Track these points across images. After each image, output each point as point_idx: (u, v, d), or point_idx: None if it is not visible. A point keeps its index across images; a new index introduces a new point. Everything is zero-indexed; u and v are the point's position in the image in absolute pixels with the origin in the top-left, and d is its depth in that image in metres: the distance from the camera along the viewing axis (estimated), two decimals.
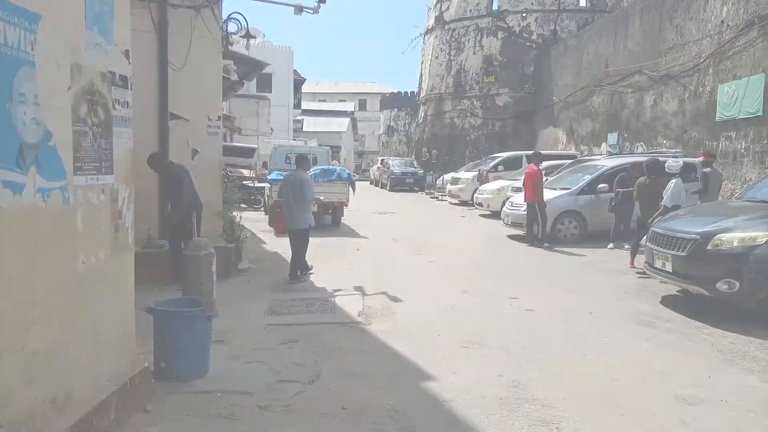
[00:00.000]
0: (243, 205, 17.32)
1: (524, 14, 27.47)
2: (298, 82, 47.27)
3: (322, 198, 12.49)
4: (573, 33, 25.70)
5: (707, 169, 9.28)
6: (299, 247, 7.72)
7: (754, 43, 12.60)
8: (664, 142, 16.24)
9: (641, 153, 14.84)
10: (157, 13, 7.97)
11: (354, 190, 12.87)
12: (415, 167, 28.07)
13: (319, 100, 66.33)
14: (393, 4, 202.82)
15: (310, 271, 8.06)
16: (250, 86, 43.46)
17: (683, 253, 5.98)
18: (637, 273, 7.97)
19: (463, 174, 20.68)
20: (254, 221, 14.02)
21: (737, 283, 5.51)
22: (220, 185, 8.92)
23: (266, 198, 12.30)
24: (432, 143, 30.95)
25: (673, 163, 8.25)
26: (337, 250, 10.15)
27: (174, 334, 4.23)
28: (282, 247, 10.31)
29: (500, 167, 19.60)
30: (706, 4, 14.42)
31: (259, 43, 44.02)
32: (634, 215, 9.31)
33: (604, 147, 19.98)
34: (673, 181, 7.93)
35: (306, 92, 67.19)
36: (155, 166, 7.37)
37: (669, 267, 6.18)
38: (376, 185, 32.22)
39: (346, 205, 12.85)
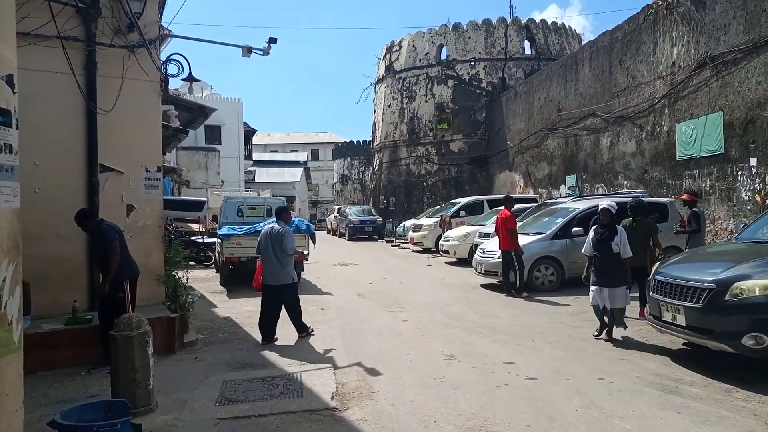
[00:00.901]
0: (192, 263, 16.01)
1: (473, 63, 27.84)
2: (249, 133, 46.47)
3: None
4: (521, 80, 26.12)
5: (696, 209, 8.85)
6: (294, 302, 7.27)
7: (709, 83, 12.70)
8: (625, 182, 16.13)
9: (605, 194, 14.60)
10: (83, 54, 7.00)
11: (314, 243, 11.88)
12: (373, 215, 27.33)
13: (271, 151, 65.60)
14: (342, 56, 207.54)
15: (311, 333, 7.46)
16: (198, 138, 42.52)
17: (698, 305, 5.28)
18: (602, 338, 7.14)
19: (425, 220, 20.04)
20: (204, 281, 12.75)
21: (766, 338, 4.82)
22: (161, 245, 7.77)
23: (217, 254, 11.15)
24: (389, 190, 30.43)
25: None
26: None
27: None
28: (235, 311, 9.16)
29: (462, 212, 19.10)
30: (656, 47, 14.63)
31: (207, 96, 43.28)
32: None
33: (563, 189, 19.86)
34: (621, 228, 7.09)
35: (257, 143, 66.42)
36: (84, 224, 6.25)
37: (681, 320, 5.47)
38: (334, 234, 31.22)
39: (306, 259, 11.81)
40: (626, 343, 6.64)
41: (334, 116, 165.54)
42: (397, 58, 29.95)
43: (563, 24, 29.48)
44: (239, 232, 11.23)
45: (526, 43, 28.26)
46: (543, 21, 28.77)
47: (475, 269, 11.46)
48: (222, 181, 39.29)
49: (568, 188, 19.32)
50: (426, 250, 19.48)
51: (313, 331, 7.53)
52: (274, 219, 11.89)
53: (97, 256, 6.46)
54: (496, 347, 6.62)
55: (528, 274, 10.30)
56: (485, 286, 11.43)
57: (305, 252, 11.66)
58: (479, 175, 27.39)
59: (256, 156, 55.20)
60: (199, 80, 8.01)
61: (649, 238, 7.72)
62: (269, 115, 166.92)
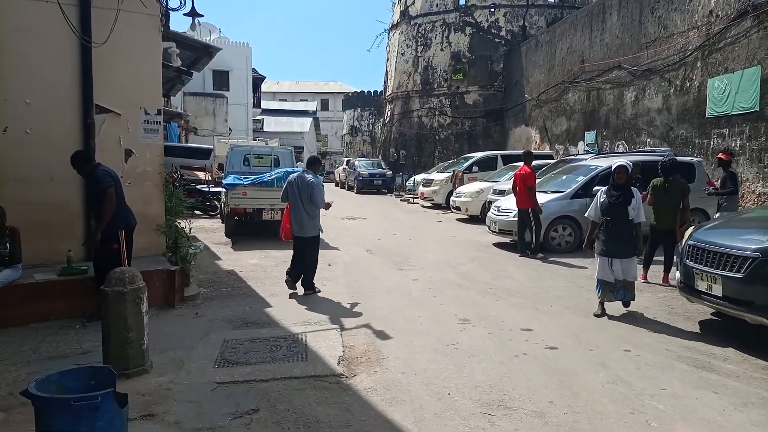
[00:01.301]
0: (197, 212, 15.70)
1: (492, 9, 26.56)
2: (257, 80, 45.40)
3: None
4: (543, 29, 24.93)
5: (731, 169, 8.28)
6: (313, 255, 7.07)
7: (748, 34, 11.82)
8: (648, 140, 15.43)
9: (628, 152, 13.95)
10: None
11: None
12: (383, 168, 26.74)
13: (279, 100, 64.39)
14: (355, 0, 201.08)
15: (317, 291, 7.17)
16: (206, 84, 41.62)
17: (739, 275, 4.84)
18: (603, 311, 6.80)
19: (436, 175, 19.49)
20: (209, 231, 12.44)
21: None
22: (161, 192, 7.37)
23: (222, 205, 10.76)
24: (399, 143, 29.73)
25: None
26: None
27: None
28: (240, 264, 8.84)
29: (475, 168, 18.49)
30: None
31: (214, 39, 42.11)
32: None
33: (581, 146, 19.16)
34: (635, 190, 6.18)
35: (266, 92, 65.18)
36: (80, 167, 5.83)
37: (718, 291, 5.04)
38: (342, 187, 30.77)
39: None
40: (651, 311, 6.25)
41: (345, 65, 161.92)
42: (413, 3, 28.63)
43: None
44: (245, 182, 10.80)
45: None
46: None
47: (489, 227, 11.02)
48: (230, 129, 38.63)
49: (587, 145, 18.62)
50: (436, 206, 19.01)
51: (319, 291, 7.21)
52: (285, 169, 11.50)
53: (92, 202, 6.06)
54: (512, 311, 6.25)
55: (544, 234, 9.85)
56: (498, 245, 11.02)
57: None
58: (494, 129, 26.59)
59: (264, 104, 54.22)
60: (202, 15, 7.42)
61: (680, 200, 7.21)
62: (278, 63, 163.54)
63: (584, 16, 19.23)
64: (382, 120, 35.42)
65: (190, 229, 8.56)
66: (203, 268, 8.44)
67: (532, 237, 9.53)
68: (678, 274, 5.88)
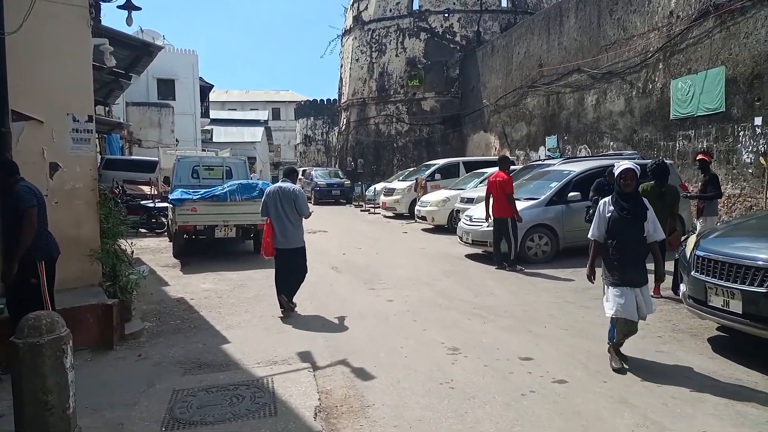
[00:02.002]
0: (142, 230, 14.49)
1: (446, 14, 26.28)
2: (205, 88, 43.71)
3: (242, 221, 10.17)
4: (497, 34, 24.83)
5: (712, 172, 7.96)
6: (305, 265, 6.87)
7: (711, 34, 11.74)
8: (612, 143, 15.28)
9: (590, 156, 13.69)
10: None
11: None
12: (340, 178, 25.92)
13: (229, 109, 62.50)
14: (306, 6, 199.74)
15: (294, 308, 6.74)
16: (151, 93, 39.74)
17: (763, 290, 4.33)
18: None
19: (398, 184, 18.85)
20: (155, 252, 11.32)
21: None
22: (95, 212, 6.35)
23: (169, 222, 9.73)
24: (357, 151, 29.00)
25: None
26: (266, 289, 7.84)
27: None
28: (190, 290, 7.86)
29: (437, 176, 17.97)
30: None
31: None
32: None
33: (542, 151, 18.96)
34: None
35: (214, 101, 63.24)
36: (2, 179, 4.81)
37: (737, 307, 4.52)
38: None
39: None
40: (654, 329, 5.71)
41: (296, 73, 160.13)
42: (366, 8, 28.07)
43: None
44: (194, 197, 9.79)
45: None
46: None
47: (460, 238, 10.41)
48: (177, 140, 36.85)
49: (548, 150, 18.41)
50: (398, 216, 18.38)
51: (295, 306, 6.71)
52: (238, 181, 10.55)
53: (7, 224, 5.02)
54: (504, 336, 5.59)
55: (520, 244, 9.30)
56: (471, 256, 10.43)
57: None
58: (452, 135, 26.25)
59: (213, 114, 52.43)
60: (139, 8, 6.46)
61: (672, 206, 6.77)
62: (227, 73, 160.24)
63: (541, 19, 19.10)
64: (337, 128, 34.64)
65: (133, 251, 7.57)
66: (148, 297, 7.42)
67: (510, 248, 8.94)
68: (683, 287, 5.36)
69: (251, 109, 62.64)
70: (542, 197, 9.74)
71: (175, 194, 9.94)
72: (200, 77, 41.71)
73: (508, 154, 21.09)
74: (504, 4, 26.84)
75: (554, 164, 12.26)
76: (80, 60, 6.19)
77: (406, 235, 14.06)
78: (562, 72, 17.53)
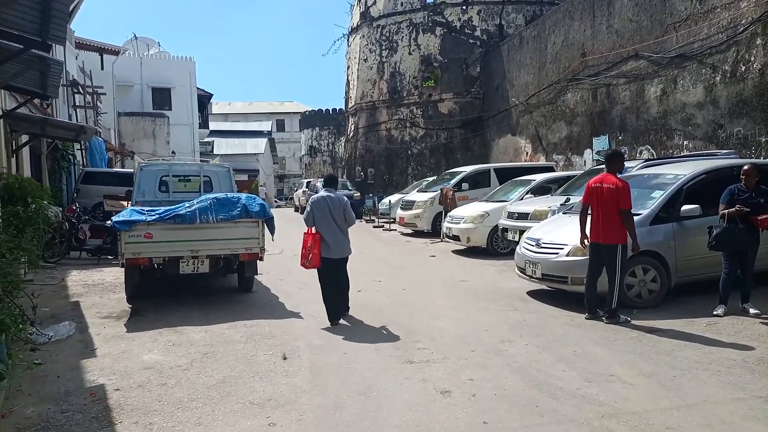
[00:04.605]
0: (108, 257, 11.69)
1: (464, 7, 23.56)
2: (203, 97, 41.27)
3: (218, 250, 7.37)
4: (522, 27, 22.06)
5: None
6: (347, 275, 6.73)
7: None
8: (686, 143, 12.35)
9: (689, 156, 10.70)
10: None
11: (273, 232, 7.67)
12: (349, 189, 22.97)
13: (232, 121, 60.06)
14: (309, 15, 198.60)
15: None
16: (145, 102, 37.27)
17: None
18: None
19: (418, 196, 15.97)
20: (106, 290, 8.45)
21: None
22: None
23: (120, 248, 6.77)
24: (366, 160, 26.17)
25: None
26: (242, 364, 4.96)
27: None
28: (123, 366, 4.88)
29: (464, 185, 15.08)
30: None
31: (153, 54, 37.86)
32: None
33: (587, 155, 16.05)
34: None
35: (217, 113, 61.12)
36: None
37: None
38: (302, 212, 26.89)
39: (261, 258, 7.60)
40: None
41: (300, 84, 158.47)
42: (375, 2, 25.38)
43: None
44: (148, 218, 6.93)
45: None
46: None
47: (521, 270, 7.47)
48: (173, 152, 34.27)
49: (596, 153, 15.50)
50: (419, 233, 15.50)
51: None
52: (212, 195, 7.72)
53: None
54: None
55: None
56: (536, 294, 7.52)
57: (258, 247, 7.46)
58: (473, 141, 23.38)
59: (214, 126, 49.98)
60: None
61: None
62: (230, 85, 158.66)
63: (582, 1, 16.27)
64: (344, 136, 31.90)
65: (35, 307, 4.75)
66: (50, 379, 4.56)
67: (613, 288, 6.00)
68: None
69: (255, 121, 60.17)
70: (644, 213, 6.79)
71: (123, 215, 7.06)
72: (198, 87, 39.31)
73: (543, 159, 18.21)
74: None
75: (633, 167, 9.37)
76: None
77: (435, 261, 11.12)
78: (613, 60, 14.67)
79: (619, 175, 6.19)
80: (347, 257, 6.65)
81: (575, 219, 7.17)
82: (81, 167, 20.86)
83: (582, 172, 11.90)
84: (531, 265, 7.14)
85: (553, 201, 9.50)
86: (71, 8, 20.62)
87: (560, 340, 5.50)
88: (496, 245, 11.10)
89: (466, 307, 6.97)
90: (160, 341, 5.76)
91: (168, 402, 4.19)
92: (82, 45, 27.91)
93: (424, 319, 6.46)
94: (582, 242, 6.34)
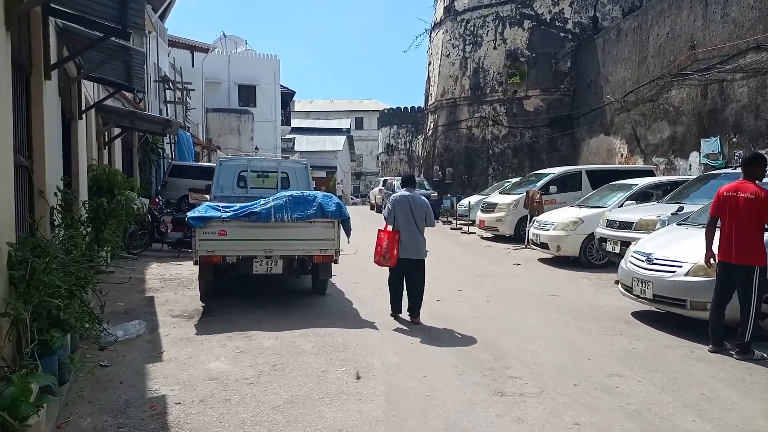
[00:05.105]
0: (187, 250, 11.77)
1: None
2: (286, 95, 42.07)
3: (292, 251, 7.03)
4: (619, 20, 20.46)
5: None
6: (423, 279, 6.52)
7: None
8: None
9: None
10: None
11: (348, 234, 7.21)
12: (426, 189, 22.29)
13: (313, 119, 61.11)
14: (392, 11, 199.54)
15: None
16: (232, 99, 38.49)
17: None
18: None
19: (500, 198, 15.08)
20: (182, 285, 8.35)
21: None
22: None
23: (195, 245, 6.60)
24: (445, 159, 25.42)
25: None
26: (314, 380, 4.49)
27: None
28: (188, 374, 4.52)
29: (552, 188, 14.03)
30: None
31: (241, 52, 39.02)
32: None
33: (693, 158, 14.47)
34: None
35: (298, 111, 62.38)
36: None
37: None
38: (379, 211, 26.53)
39: (335, 261, 7.16)
40: None
41: (380, 82, 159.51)
42: None
43: None
44: (223, 214, 6.66)
45: None
46: None
47: (627, 289, 6.53)
48: (256, 148, 35.16)
49: (705, 156, 13.92)
50: (500, 237, 14.62)
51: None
52: (289, 193, 7.37)
53: None
54: None
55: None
56: (643, 315, 6.57)
57: (333, 249, 7.02)
58: (561, 141, 22.02)
59: (296, 123, 50.98)
60: None
61: None
62: (311, 83, 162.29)
63: None
64: (423, 134, 31.28)
65: (102, 306, 4.53)
66: (113, 385, 4.30)
67: (748, 318, 5.00)
68: None
69: (335, 119, 60.93)
70: None
71: (199, 210, 6.85)
72: (282, 85, 40.11)
73: (641, 161, 16.72)
74: None
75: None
76: None
77: (520, 270, 10.27)
78: (729, 53, 13.08)
79: (759, 183, 5.16)
80: (423, 259, 6.49)
81: (695, 232, 6.21)
82: (169, 161, 21.66)
83: (692, 177, 10.59)
84: (640, 284, 6.20)
85: (662, 210, 8.39)
86: (164, 6, 21.45)
87: (682, 378, 4.61)
88: (590, 256, 10.09)
89: (562, 328, 6.16)
90: (228, 347, 5.42)
91: (230, 424, 3.77)
92: (174, 43, 29.14)
93: (514, 339, 5.73)
94: (707, 261, 5.37)
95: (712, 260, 5.33)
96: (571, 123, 21.74)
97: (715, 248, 5.30)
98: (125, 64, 7.67)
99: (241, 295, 7.64)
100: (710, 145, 13.77)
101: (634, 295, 6.34)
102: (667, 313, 6.21)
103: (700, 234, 6.03)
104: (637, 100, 17.15)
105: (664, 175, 14.69)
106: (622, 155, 18.01)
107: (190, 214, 6.79)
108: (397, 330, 6.12)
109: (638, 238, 7.57)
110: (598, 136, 19.66)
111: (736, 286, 5.10)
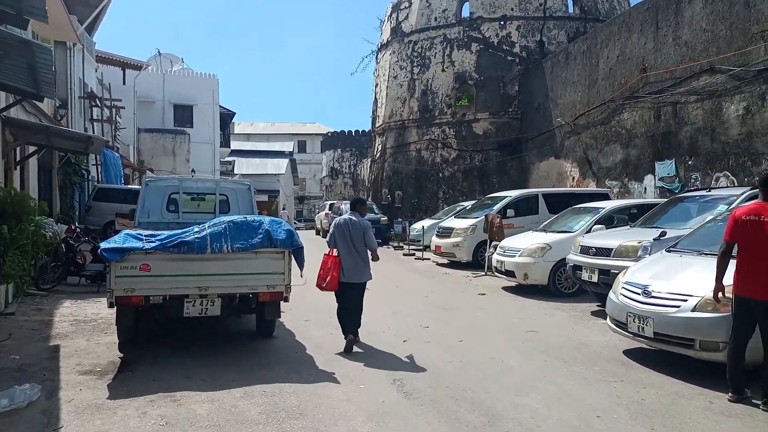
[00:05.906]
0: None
1: (503, 22, 22.22)
2: (226, 116, 40.38)
3: (233, 287, 5.87)
4: (564, 44, 20.63)
5: None
6: (361, 302, 6.38)
7: None
8: None
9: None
10: None
11: (302, 267, 6.13)
12: (375, 213, 21.43)
13: (254, 142, 59.43)
14: (337, 35, 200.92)
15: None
16: (166, 119, 36.45)
17: None
18: None
19: (457, 222, 14.37)
20: (97, 330, 6.93)
21: None
22: None
23: (110, 283, 5.27)
24: (394, 182, 24.68)
25: None
26: None
27: None
28: None
29: (509, 212, 13.46)
30: None
31: (177, 71, 37.19)
32: None
33: (648, 181, 14.32)
34: None
35: (239, 133, 60.52)
36: None
37: None
38: (325, 236, 25.41)
39: (286, 299, 6.05)
40: None
41: (323, 106, 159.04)
42: (407, 17, 24.20)
43: None
44: (146, 245, 5.43)
45: (569, 0, 22.69)
46: None
47: (619, 325, 5.76)
48: (193, 170, 33.22)
49: (660, 179, 13.78)
50: (455, 263, 13.87)
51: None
52: (228, 218, 6.22)
53: None
54: None
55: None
56: (633, 353, 5.83)
57: (283, 284, 5.92)
58: (510, 164, 21.79)
59: (237, 145, 49.17)
60: None
61: None
62: (252, 105, 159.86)
63: (644, 11, 14.71)
64: (369, 157, 30.55)
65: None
66: None
67: None
68: None
69: (276, 142, 59.42)
70: None
71: (114, 240, 5.58)
72: (221, 105, 38.51)
73: (593, 185, 16.52)
74: (571, 10, 22.70)
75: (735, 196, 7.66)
76: None
77: (486, 300, 9.45)
78: (681, 76, 13.06)
79: None
80: (365, 282, 6.36)
81: (694, 260, 5.56)
82: (95, 183, 19.74)
83: (657, 200, 10.19)
84: (637, 320, 5.45)
85: (641, 235, 7.81)
86: (92, 17, 19.77)
87: None
88: (560, 284, 9.42)
89: (552, 375, 5.29)
90: (149, 416, 4.20)
91: None
92: (103, 59, 27.20)
93: (504, 392, 4.80)
94: (716, 294, 4.66)
95: (720, 294, 4.63)
96: (521, 146, 21.56)
97: (726, 280, 4.62)
98: (29, 65, 6.35)
99: (169, 340, 6.37)
100: (665, 167, 13.64)
101: (630, 332, 5.57)
102: (664, 352, 5.48)
103: (702, 262, 5.40)
104: (588, 123, 17.05)
105: (617, 198, 14.46)
106: (573, 178, 17.82)
107: (103, 245, 5.50)
108: (363, 383, 5.06)
109: (619, 266, 6.93)
110: (548, 159, 19.49)
111: (758, 325, 4.41)
